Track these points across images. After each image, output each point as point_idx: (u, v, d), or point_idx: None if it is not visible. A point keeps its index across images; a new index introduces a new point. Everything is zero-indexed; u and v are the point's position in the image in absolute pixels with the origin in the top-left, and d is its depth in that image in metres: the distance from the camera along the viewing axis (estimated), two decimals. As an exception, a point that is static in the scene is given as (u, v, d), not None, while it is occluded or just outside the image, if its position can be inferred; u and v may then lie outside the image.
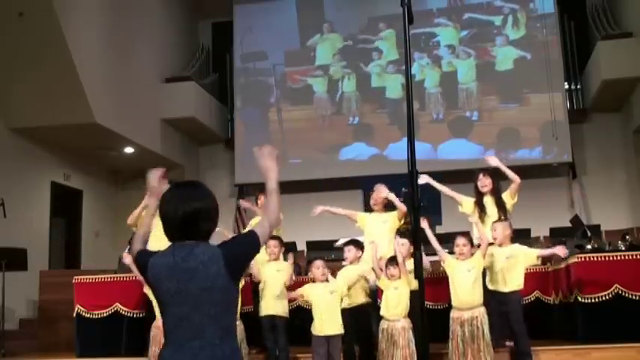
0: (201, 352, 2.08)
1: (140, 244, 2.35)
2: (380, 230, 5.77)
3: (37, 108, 8.89)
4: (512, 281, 5.26)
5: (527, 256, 5.34)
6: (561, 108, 10.87)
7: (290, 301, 5.68)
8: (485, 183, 5.78)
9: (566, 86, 11.30)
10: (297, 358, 5.80)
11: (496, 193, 5.76)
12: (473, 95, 11.34)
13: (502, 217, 5.55)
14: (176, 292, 2.12)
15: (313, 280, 5.47)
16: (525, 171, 10.24)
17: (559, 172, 11.32)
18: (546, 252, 5.60)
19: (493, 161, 5.82)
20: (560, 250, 5.29)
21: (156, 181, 2.48)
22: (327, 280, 5.32)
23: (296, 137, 11.81)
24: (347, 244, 5.63)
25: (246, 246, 2.25)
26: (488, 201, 5.76)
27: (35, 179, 9.75)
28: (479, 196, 5.81)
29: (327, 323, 5.19)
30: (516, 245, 5.41)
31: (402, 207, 5.58)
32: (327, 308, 5.21)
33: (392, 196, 5.72)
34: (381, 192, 5.76)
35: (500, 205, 5.70)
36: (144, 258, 2.25)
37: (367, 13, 11.95)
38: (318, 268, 5.35)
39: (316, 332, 5.22)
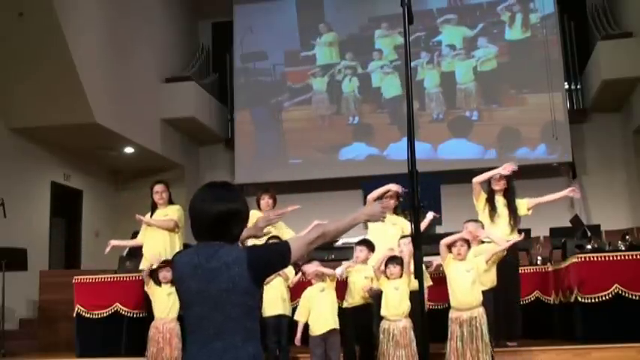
0: (225, 354, 2.08)
1: None
2: (389, 232, 5.74)
3: (37, 108, 8.89)
4: (485, 281, 5.27)
5: (479, 265, 5.24)
6: (561, 108, 10.88)
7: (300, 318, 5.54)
8: (500, 182, 5.85)
9: (566, 86, 11.30)
10: (297, 358, 5.79)
11: (508, 196, 5.80)
12: (472, 95, 11.35)
13: (512, 222, 5.61)
14: (198, 292, 2.13)
15: (310, 283, 5.47)
16: (525, 171, 10.26)
17: (559, 172, 11.32)
18: (493, 246, 5.34)
19: (506, 170, 5.84)
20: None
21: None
22: (322, 280, 5.31)
23: (296, 137, 11.81)
24: (359, 243, 5.58)
25: (274, 255, 2.23)
26: (500, 201, 5.80)
27: (35, 179, 9.75)
28: (491, 194, 5.86)
29: (322, 321, 5.19)
30: (482, 246, 5.36)
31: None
32: (320, 307, 5.22)
33: (377, 193, 5.64)
34: (372, 197, 5.72)
35: (512, 209, 5.74)
36: (173, 259, 2.33)
37: (367, 13, 11.95)
38: (315, 265, 5.35)
39: (312, 332, 5.23)
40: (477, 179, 5.90)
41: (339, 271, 5.41)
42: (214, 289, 2.11)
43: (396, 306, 5.10)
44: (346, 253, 6.82)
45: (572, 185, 5.73)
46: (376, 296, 5.48)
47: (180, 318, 5.72)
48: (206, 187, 2.27)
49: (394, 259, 5.24)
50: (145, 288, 5.90)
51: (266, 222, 2.80)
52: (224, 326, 2.10)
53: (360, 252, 5.49)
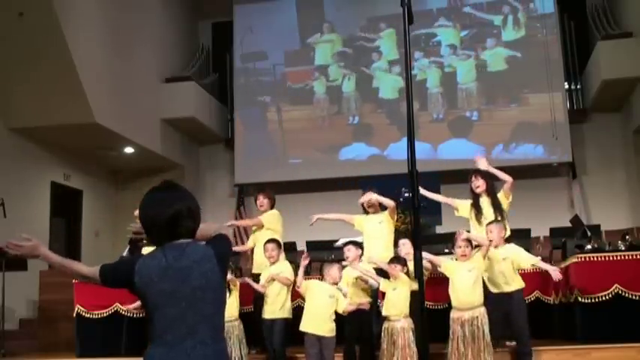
0: (193, 351, 2.09)
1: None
2: (377, 231, 5.78)
3: (37, 108, 8.89)
4: (513, 280, 5.25)
5: (518, 261, 5.27)
6: (561, 108, 10.87)
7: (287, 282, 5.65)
8: (478, 184, 5.77)
9: (566, 86, 11.30)
10: (295, 357, 5.80)
11: (491, 193, 5.76)
12: (473, 95, 11.34)
13: (498, 218, 5.55)
14: (171, 292, 2.12)
15: (320, 278, 5.46)
16: (525, 171, 10.32)
17: (559, 172, 11.32)
18: (543, 266, 5.43)
19: (482, 164, 5.80)
20: (554, 274, 5.21)
21: None
22: (335, 284, 5.29)
23: (296, 137, 11.81)
24: (346, 244, 5.63)
25: (229, 246, 2.32)
26: (484, 201, 5.75)
27: (35, 179, 9.75)
28: (475, 198, 5.81)
29: (319, 324, 5.18)
30: (511, 245, 5.39)
31: (390, 202, 5.62)
32: (322, 310, 5.20)
33: (378, 198, 5.72)
34: (365, 197, 5.78)
35: (496, 205, 5.69)
36: (125, 265, 2.21)
37: (367, 13, 11.95)
38: (340, 270, 5.32)
39: (306, 329, 5.19)
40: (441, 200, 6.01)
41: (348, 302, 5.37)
42: (188, 287, 2.12)
43: (395, 306, 5.10)
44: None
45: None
46: (375, 296, 5.49)
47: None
48: (155, 191, 2.29)
49: (394, 260, 5.25)
50: None
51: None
52: (196, 324, 2.11)
53: (349, 251, 5.53)
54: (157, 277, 2.13)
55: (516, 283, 5.27)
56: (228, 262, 2.35)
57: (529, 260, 5.36)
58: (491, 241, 5.24)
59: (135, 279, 2.15)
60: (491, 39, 11.46)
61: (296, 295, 5.91)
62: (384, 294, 5.29)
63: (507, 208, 5.77)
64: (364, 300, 5.39)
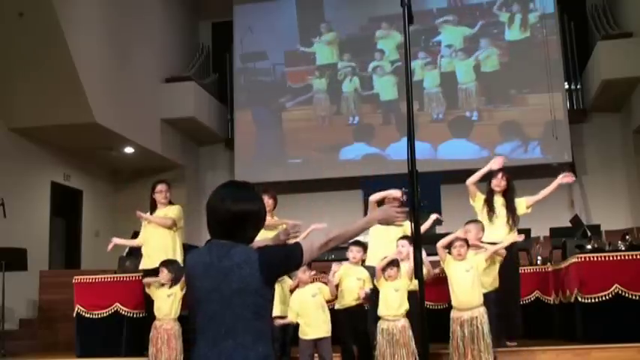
0: (235, 353, 2.08)
1: None
2: (381, 231, 5.76)
3: (37, 108, 8.89)
4: (485, 283, 5.27)
5: (478, 264, 5.21)
6: (561, 108, 10.87)
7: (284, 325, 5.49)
8: (500, 183, 5.81)
9: (566, 86, 11.30)
10: (296, 358, 5.79)
11: (508, 196, 5.78)
12: (472, 95, 11.34)
13: (511, 221, 5.59)
14: (210, 291, 2.14)
15: (297, 286, 5.46)
16: (525, 171, 10.30)
17: (559, 172, 11.25)
18: (491, 250, 5.27)
19: (496, 165, 5.82)
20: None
21: None
22: (312, 282, 5.31)
23: (296, 137, 11.81)
24: (353, 244, 5.59)
25: (285, 257, 2.23)
26: (498, 201, 5.78)
27: (35, 179, 9.75)
28: (489, 194, 5.84)
29: (313, 326, 5.20)
30: (470, 254, 5.31)
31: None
32: (311, 311, 5.22)
33: (378, 196, 5.68)
34: (373, 198, 5.74)
35: (510, 209, 5.72)
36: (186, 257, 2.34)
37: (367, 12, 11.95)
38: (305, 272, 5.34)
39: (303, 336, 5.23)
40: (470, 180, 5.85)
41: (333, 280, 5.38)
42: (226, 288, 2.12)
43: (395, 306, 5.10)
44: (346, 253, 6.82)
45: (564, 173, 5.68)
46: (373, 297, 5.48)
47: (181, 319, 5.71)
48: (227, 186, 2.30)
49: (392, 262, 5.25)
50: (146, 289, 5.91)
51: (286, 236, 2.81)
52: (235, 326, 2.10)
53: (358, 252, 5.52)
54: (200, 274, 2.17)
55: (489, 284, 5.31)
56: (277, 271, 2.22)
57: (481, 258, 5.23)
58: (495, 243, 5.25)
59: (187, 272, 2.25)
60: (491, 39, 11.46)
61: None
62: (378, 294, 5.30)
63: (521, 214, 5.83)
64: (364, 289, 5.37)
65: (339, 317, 5.37)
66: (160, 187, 6.32)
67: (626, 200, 10.97)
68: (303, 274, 5.33)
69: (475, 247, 5.29)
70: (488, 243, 5.37)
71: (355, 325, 5.38)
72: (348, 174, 11.23)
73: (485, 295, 5.16)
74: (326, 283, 5.44)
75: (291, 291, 5.67)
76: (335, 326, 5.31)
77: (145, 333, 5.81)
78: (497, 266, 5.38)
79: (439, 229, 9.20)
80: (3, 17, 8.19)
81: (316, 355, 5.27)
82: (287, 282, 5.64)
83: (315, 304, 5.25)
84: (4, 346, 7.60)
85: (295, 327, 5.49)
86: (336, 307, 5.45)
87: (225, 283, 2.12)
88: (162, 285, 5.71)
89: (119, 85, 9.87)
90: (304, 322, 5.25)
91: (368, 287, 5.33)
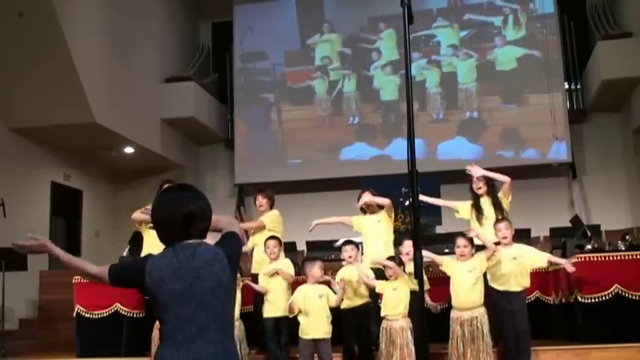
0: (204, 351, 2.10)
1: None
2: (375, 230, 5.82)
3: (37, 108, 8.89)
4: (524, 280, 5.25)
5: (534, 259, 5.29)
6: (561, 108, 10.87)
7: (290, 313, 5.50)
8: (479, 185, 5.84)
9: (566, 86, 11.30)
10: (296, 358, 5.80)
11: (492, 194, 5.80)
12: (473, 95, 11.34)
13: (499, 217, 5.56)
14: (181, 293, 2.14)
15: (304, 281, 5.47)
16: (525, 171, 10.33)
17: (559, 172, 11.32)
18: (557, 260, 5.46)
19: (476, 172, 5.87)
20: (568, 266, 5.27)
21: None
22: (326, 283, 5.30)
23: (296, 137, 11.81)
24: (344, 244, 5.65)
25: (239, 245, 2.36)
26: (485, 202, 5.80)
27: (35, 179, 9.75)
28: (475, 198, 5.85)
29: (314, 327, 5.20)
30: (521, 245, 5.39)
31: (385, 201, 5.73)
32: (315, 310, 5.22)
33: (372, 199, 5.77)
34: (361, 201, 5.84)
35: (497, 205, 5.73)
36: (135, 265, 2.22)
37: (367, 13, 11.95)
38: (320, 268, 5.34)
39: (303, 335, 5.23)
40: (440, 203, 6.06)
41: (339, 294, 5.34)
42: (199, 287, 2.14)
43: (394, 306, 5.11)
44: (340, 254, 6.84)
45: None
46: (375, 297, 5.50)
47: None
48: (171, 190, 2.36)
49: (392, 261, 5.26)
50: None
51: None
52: (207, 324, 2.13)
53: (352, 250, 5.55)
54: (168, 278, 2.15)
55: (525, 283, 5.27)
56: (239, 261, 2.38)
57: (543, 257, 5.35)
58: (505, 238, 5.23)
59: (146, 279, 2.16)
60: (490, 39, 11.46)
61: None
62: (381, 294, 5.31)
63: (507, 208, 5.80)
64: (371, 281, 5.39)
65: (344, 316, 5.37)
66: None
67: (626, 200, 10.96)
68: (318, 270, 5.33)
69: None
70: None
71: (360, 324, 5.40)
72: (349, 174, 11.22)
73: (520, 294, 5.15)
74: (332, 288, 5.42)
75: (294, 284, 5.68)
76: (339, 326, 5.31)
77: (144, 333, 5.81)
78: (529, 267, 5.31)
79: (439, 229, 9.23)
80: (3, 17, 8.19)
81: (316, 355, 5.27)
82: (283, 280, 5.66)
83: (320, 304, 5.24)
84: (4, 346, 7.61)
85: (291, 327, 5.50)
86: (342, 306, 5.45)
87: (197, 283, 2.14)
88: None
89: (119, 85, 9.87)
90: (308, 321, 5.24)
91: (371, 275, 5.36)
